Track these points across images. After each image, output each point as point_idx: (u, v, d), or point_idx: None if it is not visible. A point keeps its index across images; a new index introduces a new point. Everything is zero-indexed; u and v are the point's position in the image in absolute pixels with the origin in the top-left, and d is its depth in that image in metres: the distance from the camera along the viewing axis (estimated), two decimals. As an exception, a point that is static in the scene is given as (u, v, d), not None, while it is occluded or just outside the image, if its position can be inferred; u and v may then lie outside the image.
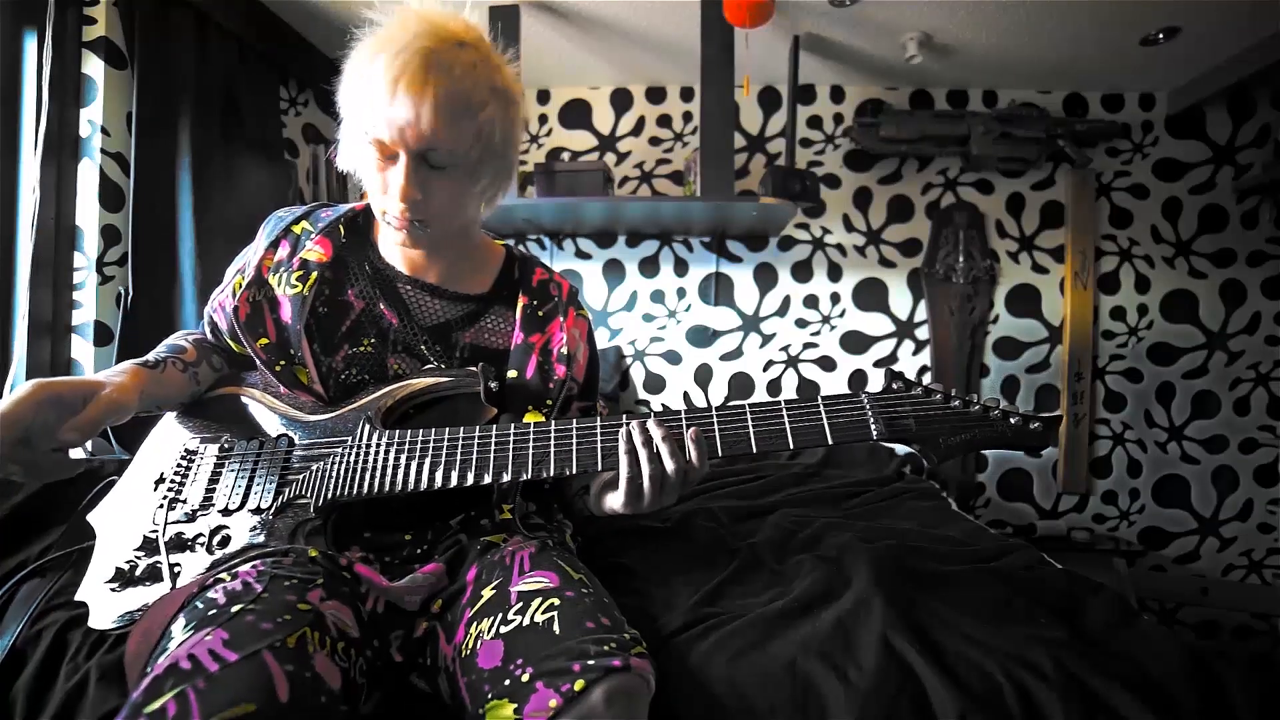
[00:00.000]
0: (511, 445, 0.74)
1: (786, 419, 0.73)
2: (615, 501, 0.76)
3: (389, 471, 0.73)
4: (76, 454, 1.37)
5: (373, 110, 0.71)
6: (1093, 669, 0.67)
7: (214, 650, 0.50)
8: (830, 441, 0.71)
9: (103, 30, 1.41)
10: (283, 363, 0.82)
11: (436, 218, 0.78)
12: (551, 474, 0.72)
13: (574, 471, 0.72)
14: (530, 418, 0.82)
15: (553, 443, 0.73)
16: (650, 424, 0.72)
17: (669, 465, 0.71)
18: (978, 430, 0.71)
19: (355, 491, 0.73)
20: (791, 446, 0.72)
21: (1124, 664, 0.70)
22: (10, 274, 1.36)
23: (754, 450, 0.72)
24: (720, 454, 0.73)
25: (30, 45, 1.37)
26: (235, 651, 0.50)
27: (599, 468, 0.73)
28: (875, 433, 0.71)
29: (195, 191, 1.52)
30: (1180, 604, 2.11)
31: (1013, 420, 0.71)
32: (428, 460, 0.73)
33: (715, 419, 0.74)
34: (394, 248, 0.87)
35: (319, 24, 1.82)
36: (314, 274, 0.83)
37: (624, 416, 0.74)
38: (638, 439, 0.71)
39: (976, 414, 0.72)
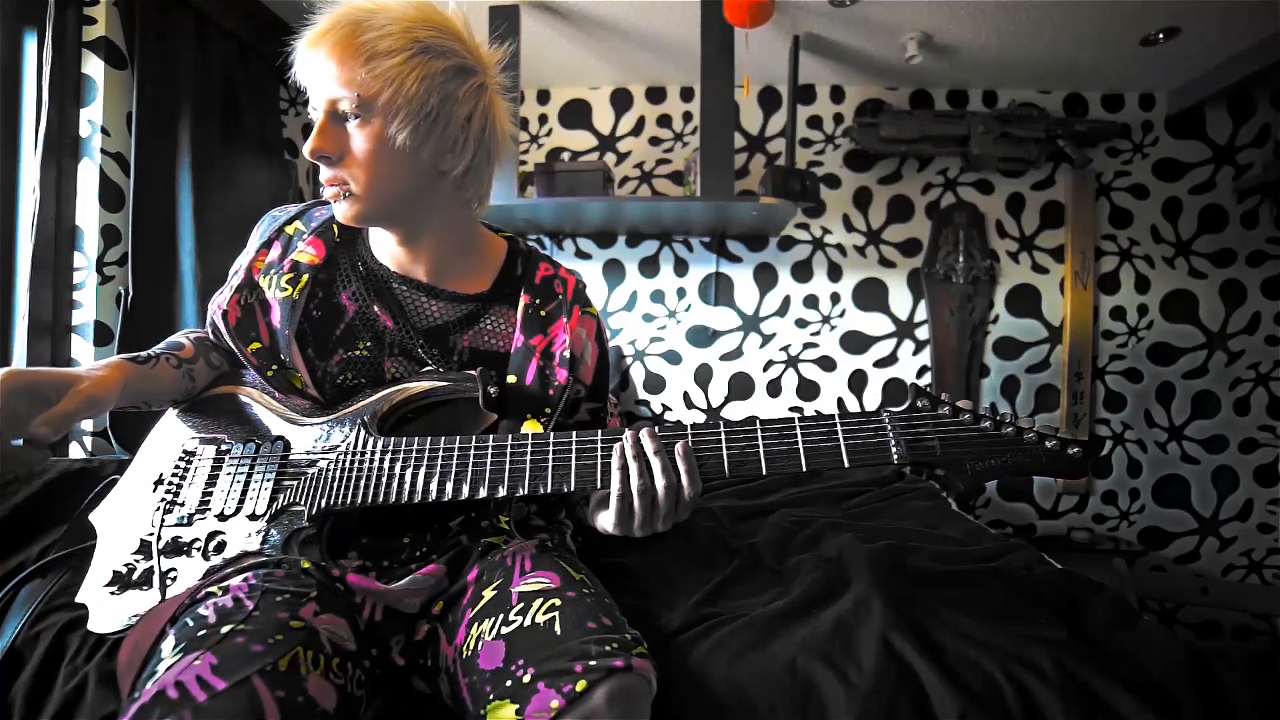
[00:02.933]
0: (509, 458, 0.71)
1: (800, 438, 0.68)
2: (606, 520, 0.73)
3: (384, 481, 0.71)
4: (77, 453, 1.38)
5: (298, 76, 0.75)
6: (1093, 669, 0.67)
7: (202, 677, 0.50)
8: (847, 464, 0.66)
9: (103, 30, 1.41)
10: (275, 367, 0.80)
11: (358, 179, 0.74)
12: (549, 490, 0.69)
13: (571, 489, 0.69)
14: (529, 426, 0.79)
15: (551, 458, 0.70)
16: (644, 434, 0.69)
17: (659, 480, 0.67)
18: (1010, 455, 0.65)
19: (349, 500, 0.71)
20: (804, 468, 0.67)
21: (1124, 664, 0.69)
22: (10, 274, 1.36)
23: (764, 472, 0.67)
24: (728, 473, 0.68)
25: (30, 45, 1.37)
26: (224, 679, 0.49)
27: (598, 485, 0.70)
28: (896, 456, 0.66)
29: (195, 191, 1.52)
30: (1180, 604, 2.10)
31: (1049, 445, 0.65)
32: (422, 470, 0.71)
33: (723, 435, 0.69)
34: (387, 246, 0.84)
35: (319, 24, 1.82)
36: (305, 276, 0.81)
37: (625, 431, 0.70)
38: (629, 451, 0.68)
39: (1008, 437, 0.66)
